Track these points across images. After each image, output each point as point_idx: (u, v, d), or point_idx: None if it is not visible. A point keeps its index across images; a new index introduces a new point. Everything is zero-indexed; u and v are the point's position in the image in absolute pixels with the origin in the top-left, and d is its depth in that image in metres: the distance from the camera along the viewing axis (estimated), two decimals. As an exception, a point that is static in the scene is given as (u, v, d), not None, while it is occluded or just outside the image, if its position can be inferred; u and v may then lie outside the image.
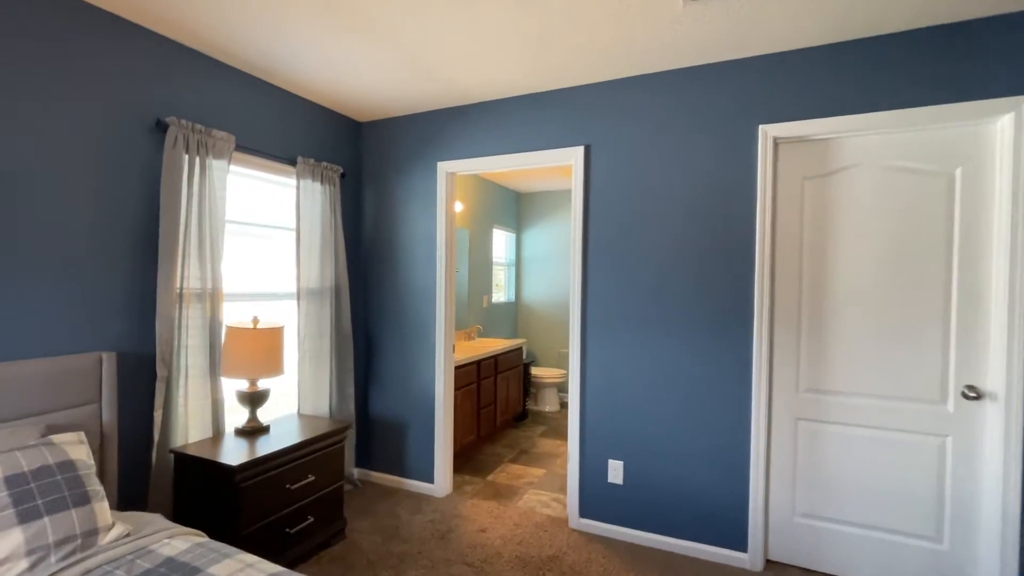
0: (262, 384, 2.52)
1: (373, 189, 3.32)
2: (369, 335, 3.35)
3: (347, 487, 3.14)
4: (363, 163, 3.36)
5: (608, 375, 2.63)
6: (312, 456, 2.34)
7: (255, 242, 2.74)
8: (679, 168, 2.47)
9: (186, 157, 2.21)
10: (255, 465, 2.05)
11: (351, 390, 3.12)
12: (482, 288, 5.07)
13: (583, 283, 2.69)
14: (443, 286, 3.07)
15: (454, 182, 3.12)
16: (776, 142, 2.31)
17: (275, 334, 2.38)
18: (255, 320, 2.36)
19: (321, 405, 2.96)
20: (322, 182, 2.96)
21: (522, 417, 4.83)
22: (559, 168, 4.43)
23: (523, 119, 2.83)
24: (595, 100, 2.65)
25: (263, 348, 2.33)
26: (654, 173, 2.52)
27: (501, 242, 5.61)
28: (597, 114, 2.65)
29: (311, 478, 2.31)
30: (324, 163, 2.96)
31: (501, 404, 4.26)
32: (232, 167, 2.55)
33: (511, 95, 2.84)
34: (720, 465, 2.40)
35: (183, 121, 2.18)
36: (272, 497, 2.14)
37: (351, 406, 3.12)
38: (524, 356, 5.43)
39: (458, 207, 4.39)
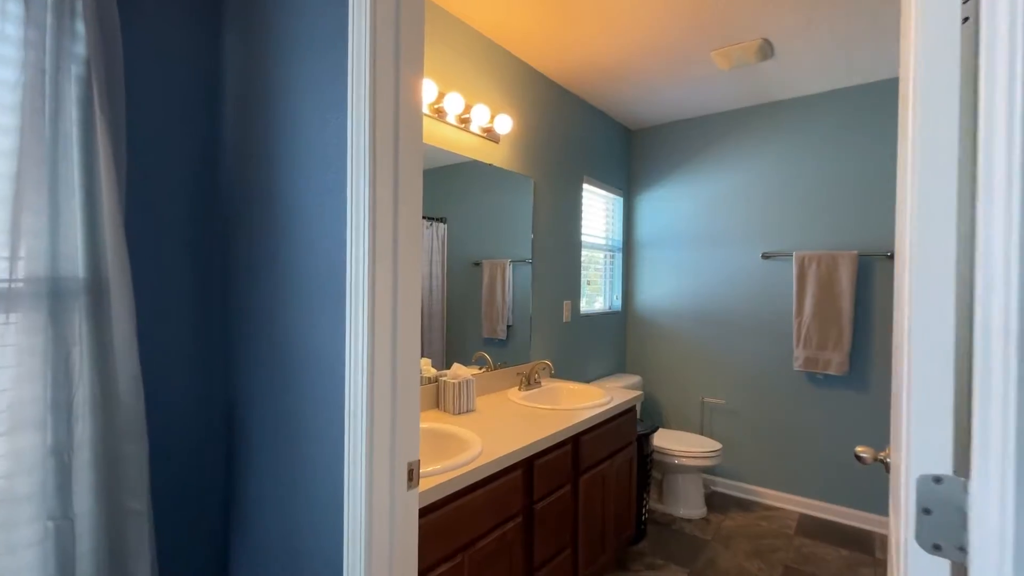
0: None
1: (243, 38, 1.30)
2: (232, 410, 1.35)
3: None
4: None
5: None
6: None
7: None
8: None
9: None
10: None
11: (145, 561, 1.14)
12: (560, 290, 2.86)
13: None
14: (362, 298, 0.94)
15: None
16: None
17: None
18: None
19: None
20: (20, -24, 1.00)
21: (636, 539, 2.52)
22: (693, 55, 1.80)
23: None
24: None
25: None
26: None
27: (597, 209, 3.33)
28: None
29: None
30: (33, -77, 1.00)
31: (589, 538, 1.99)
32: None
33: None
34: None
35: None
36: None
37: (149, 611, 1.14)
38: (638, 415, 3.12)
39: (505, 123, 2.22)
